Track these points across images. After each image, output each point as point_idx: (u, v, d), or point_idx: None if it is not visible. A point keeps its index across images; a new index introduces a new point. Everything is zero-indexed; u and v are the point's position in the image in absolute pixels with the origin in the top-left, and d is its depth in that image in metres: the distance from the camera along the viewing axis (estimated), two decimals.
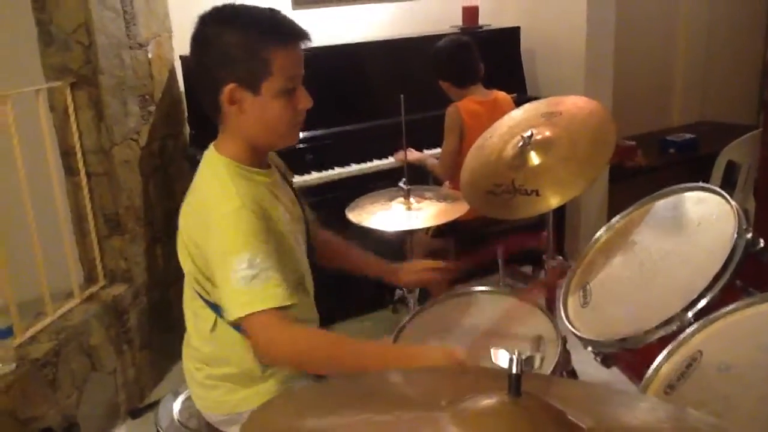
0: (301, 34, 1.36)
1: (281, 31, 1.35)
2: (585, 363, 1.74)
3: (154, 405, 2.57)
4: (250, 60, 1.32)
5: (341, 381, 1.06)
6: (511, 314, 1.73)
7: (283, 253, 1.40)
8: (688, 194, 1.67)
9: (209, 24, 1.36)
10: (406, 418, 0.79)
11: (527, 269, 3.68)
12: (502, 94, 2.89)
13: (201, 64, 1.38)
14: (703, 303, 1.34)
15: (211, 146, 1.45)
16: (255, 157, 1.43)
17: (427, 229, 2.87)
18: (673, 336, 1.31)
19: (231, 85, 1.33)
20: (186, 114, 3.11)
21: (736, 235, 1.39)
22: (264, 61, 1.32)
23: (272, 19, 1.36)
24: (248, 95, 1.34)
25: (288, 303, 1.29)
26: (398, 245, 2.29)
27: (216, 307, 1.42)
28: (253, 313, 1.26)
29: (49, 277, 2.31)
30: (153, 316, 2.79)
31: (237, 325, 1.37)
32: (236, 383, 1.49)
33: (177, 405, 1.72)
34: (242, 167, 1.40)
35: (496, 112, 2.55)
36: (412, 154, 2.93)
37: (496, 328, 1.70)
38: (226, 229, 1.30)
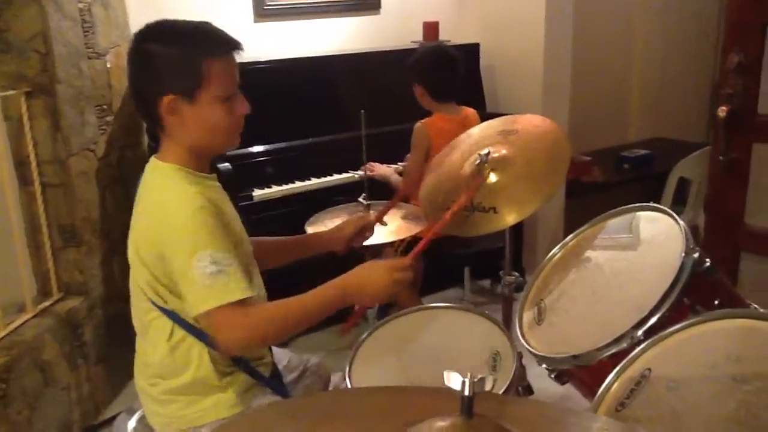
0: (233, 44, 1.45)
1: (213, 42, 1.43)
2: (540, 378, 1.77)
3: (109, 422, 2.53)
4: (184, 71, 1.40)
5: (300, 401, 1.06)
6: (468, 330, 1.76)
7: (237, 249, 1.46)
8: (640, 213, 1.72)
9: (143, 40, 1.44)
10: None
11: (485, 283, 3.74)
12: (471, 112, 2.87)
13: (138, 78, 1.45)
14: (652, 321, 1.38)
15: (153, 159, 1.51)
16: (200, 163, 1.50)
17: (397, 247, 2.88)
18: (623, 353, 1.35)
19: (169, 96, 1.41)
20: (145, 125, 3.08)
21: (683, 255, 1.44)
22: (197, 71, 1.40)
23: (204, 31, 1.45)
24: (185, 105, 1.42)
25: (249, 295, 1.37)
26: (360, 260, 2.30)
27: (172, 314, 1.46)
28: (218, 307, 1.33)
29: (1, 289, 2.26)
30: (109, 330, 2.74)
31: (193, 323, 1.44)
32: (194, 394, 1.50)
33: (132, 423, 1.69)
34: (191, 172, 1.46)
35: (465, 129, 2.55)
36: (377, 169, 2.94)
37: (453, 344, 1.73)
38: (187, 229, 1.35)
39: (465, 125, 2.74)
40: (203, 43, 1.42)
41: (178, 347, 1.48)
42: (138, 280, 1.48)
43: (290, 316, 1.42)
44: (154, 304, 1.46)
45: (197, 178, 1.47)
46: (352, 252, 1.88)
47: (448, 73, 2.79)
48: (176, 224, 1.36)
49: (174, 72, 1.40)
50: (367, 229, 1.87)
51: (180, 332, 1.47)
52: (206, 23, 1.46)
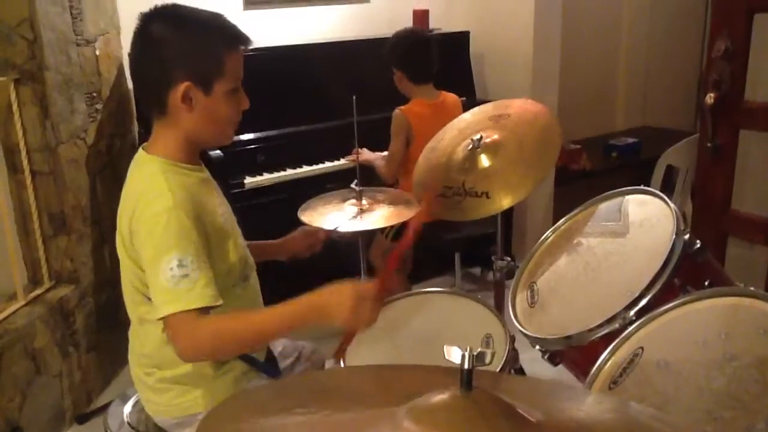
0: (247, 39, 1.46)
1: (233, 35, 1.43)
2: (532, 362, 1.79)
3: (101, 410, 2.52)
4: (206, 61, 1.39)
5: (296, 379, 1.07)
6: (460, 314, 1.77)
7: (222, 245, 1.45)
8: (630, 197, 1.73)
9: (158, 22, 1.41)
10: (364, 415, 0.81)
11: (475, 270, 3.75)
12: (451, 96, 2.91)
13: (154, 61, 1.41)
14: (644, 302, 1.40)
15: (140, 150, 1.49)
16: (191, 154, 1.48)
17: (387, 232, 2.89)
18: (616, 333, 1.37)
19: (186, 83, 1.38)
20: (135, 112, 3.07)
21: (674, 236, 1.46)
22: (219, 62, 1.40)
23: (223, 23, 1.44)
24: (200, 94, 1.40)
25: (212, 304, 1.32)
26: (355, 246, 2.31)
27: None
28: (175, 313, 1.29)
29: None
30: (100, 317, 2.74)
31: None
32: (188, 384, 1.50)
33: (127, 408, 1.68)
34: (176, 164, 1.43)
35: (444, 113, 2.58)
36: (363, 155, 2.94)
37: (446, 328, 1.74)
38: (157, 228, 1.32)
39: (444, 109, 2.77)
40: (224, 34, 1.42)
41: None
42: (127, 273, 1.46)
43: (242, 331, 1.36)
44: (145, 296, 1.44)
45: (184, 171, 1.44)
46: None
47: (423, 54, 2.82)
48: (149, 221, 1.33)
49: (194, 60, 1.38)
50: (317, 243, 1.87)
51: None
52: (221, 15, 1.45)
